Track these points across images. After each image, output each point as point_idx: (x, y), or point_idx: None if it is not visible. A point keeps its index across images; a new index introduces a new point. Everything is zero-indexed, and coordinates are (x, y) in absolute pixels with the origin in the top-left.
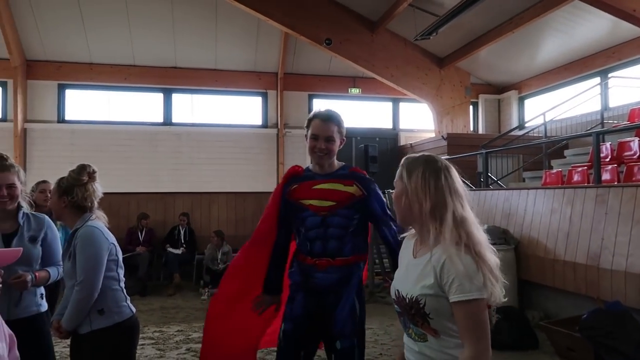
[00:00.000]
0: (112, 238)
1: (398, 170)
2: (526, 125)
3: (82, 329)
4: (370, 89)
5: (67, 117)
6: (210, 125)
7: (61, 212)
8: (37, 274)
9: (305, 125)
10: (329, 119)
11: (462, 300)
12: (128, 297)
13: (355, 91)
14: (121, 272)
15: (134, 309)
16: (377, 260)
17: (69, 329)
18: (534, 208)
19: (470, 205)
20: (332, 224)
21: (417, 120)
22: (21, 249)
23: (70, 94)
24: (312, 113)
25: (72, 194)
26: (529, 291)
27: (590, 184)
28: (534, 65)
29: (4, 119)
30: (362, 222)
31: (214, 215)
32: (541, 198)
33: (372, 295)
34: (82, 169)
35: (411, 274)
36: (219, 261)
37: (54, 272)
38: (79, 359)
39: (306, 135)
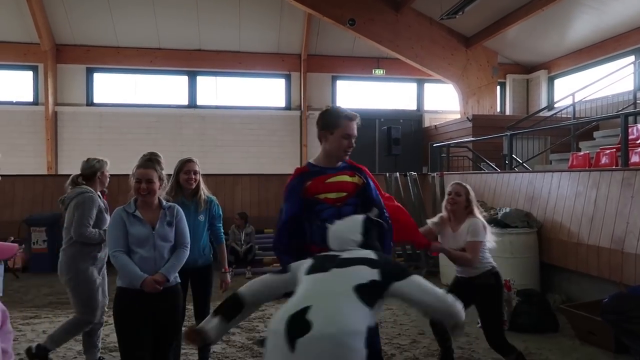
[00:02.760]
0: None
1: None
2: (555, 106)
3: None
4: (394, 69)
5: (95, 100)
6: (234, 107)
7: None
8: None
9: (326, 122)
10: (355, 119)
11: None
12: None
13: (379, 72)
14: None
15: None
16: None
17: (170, 279)
18: (559, 191)
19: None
20: (345, 213)
21: (442, 101)
22: (17, 245)
23: (98, 78)
24: (337, 111)
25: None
26: (551, 274)
27: (617, 167)
28: (565, 43)
29: (36, 103)
30: (361, 208)
31: (237, 196)
32: (566, 181)
33: None
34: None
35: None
36: (242, 242)
37: (182, 255)
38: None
39: (328, 132)
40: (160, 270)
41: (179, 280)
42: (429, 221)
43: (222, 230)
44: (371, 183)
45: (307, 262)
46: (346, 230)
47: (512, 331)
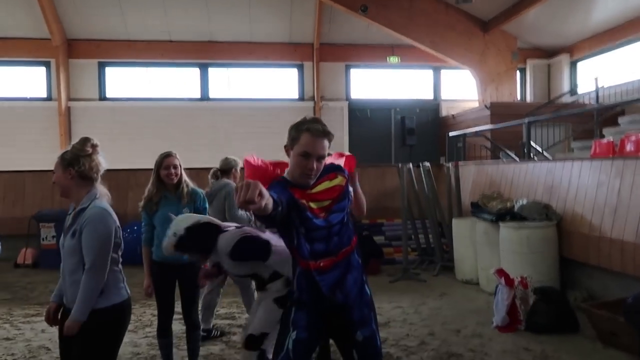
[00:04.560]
0: (116, 219)
1: None
2: (578, 91)
3: None
4: (409, 57)
5: (108, 95)
6: (247, 99)
7: (67, 186)
8: None
9: (289, 134)
10: (324, 134)
11: None
12: (125, 279)
13: (393, 60)
14: (120, 252)
15: (129, 291)
16: (412, 237)
17: (83, 320)
18: (579, 181)
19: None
20: (333, 222)
21: (460, 89)
22: None
23: (110, 72)
24: (301, 122)
25: (78, 165)
26: (572, 270)
27: None
28: (588, 25)
29: (49, 98)
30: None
31: None
32: (587, 170)
33: (406, 272)
34: (85, 140)
35: None
36: None
37: None
38: (69, 339)
39: (288, 147)
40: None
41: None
42: None
43: None
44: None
45: None
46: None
47: (528, 331)
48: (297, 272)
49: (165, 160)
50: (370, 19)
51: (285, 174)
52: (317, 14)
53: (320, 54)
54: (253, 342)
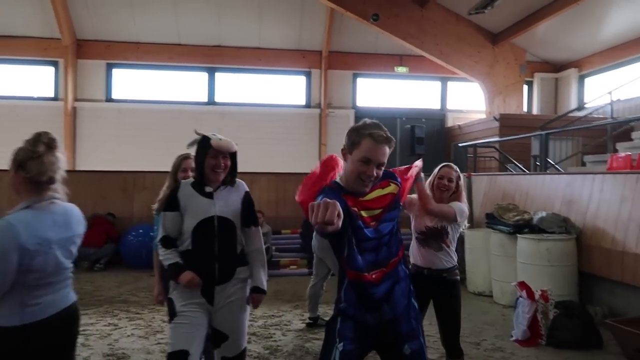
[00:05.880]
0: (30, 238)
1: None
2: (587, 105)
3: None
4: (417, 67)
5: (114, 97)
6: (254, 105)
7: (18, 190)
8: None
9: (348, 138)
10: (386, 141)
11: None
12: (44, 300)
13: (402, 70)
14: (38, 275)
15: (44, 314)
16: None
17: None
18: (601, 195)
19: None
20: (383, 232)
21: (466, 100)
22: None
23: (117, 73)
24: (362, 126)
25: (25, 169)
26: (591, 285)
27: None
28: (597, 40)
29: (56, 98)
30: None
31: (255, 195)
32: (610, 184)
33: None
34: (37, 138)
35: None
36: None
37: None
38: None
39: (346, 150)
40: None
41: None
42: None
43: None
44: (401, 183)
45: None
46: None
47: (550, 346)
48: (344, 283)
49: (184, 162)
50: (380, 28)
51: (337, 179)
52: (327, 22)
53: (329, 62)
54: None
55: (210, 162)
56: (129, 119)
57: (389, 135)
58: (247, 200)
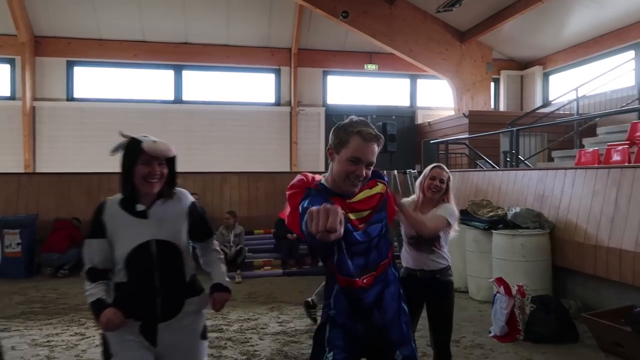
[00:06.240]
0: None
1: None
2: (554, 102)
3: None
4: (387, 65)
5: (76, 95)
6: (222, 103)
7: None
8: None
9: (334, 136)
10: (375, 139)
11: None
12: None
13: (371, 67)
14: None
15: None
16: (397, 245)
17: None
18: (573, 190)
19: None
20: (372, 234)
21: (435, 97)
22: None
23: (79, 71)
24: (349, 124)
25: None
26: (564, 279)
27: None
28: (561, 38)
29: (13, 97)
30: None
31: (226, 196)
32: (580, 179)
33: None
34: None
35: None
36: (231, 244)
37: None
38: None
39: (331, 149)
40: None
41: None
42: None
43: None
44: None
45: None
46: None
47: (528, 341)
48: (334, 290)
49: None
50: (350, 25)
51: (322, 180)
52: (296, 19)
53: (298, 59)
54: None
55: (141, 170)
56: (93, 118)
57: (378, 132)
58: (195, 213)
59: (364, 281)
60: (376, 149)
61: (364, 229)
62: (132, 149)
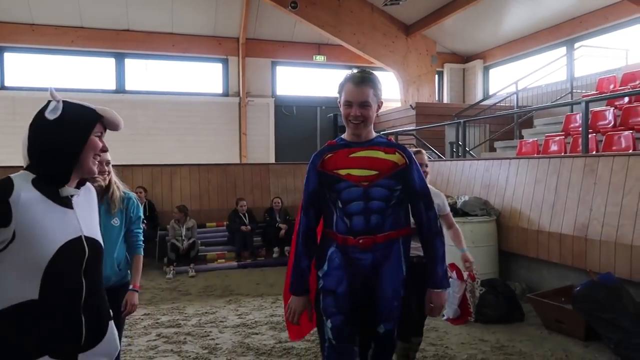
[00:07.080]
0: None
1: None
2: (494, 94)
3: None
4: (335, 56)
5: (7, 84)
6: (167, 93)
7: None
8: None
9: (337, 90)
10: (363, 81)
11: None
12: None
13: (320, 58)
14: None
15: None
16: None
17: None
18: (516, 178)
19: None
20: (374, 196)
21: (382, 89)
22: None
23: (9, 58)
24: (344, 77)
25: None
26: (509, 262)
27: (577, 153)
28: (500, 34)
29: None
30: (404, 193)
31: (176, 188)
32: (524, 168)
33: None
34: None
35: None
36: (183, 237)
37: None
38: None
39: (339, 102)
40: None
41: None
42: None
43: (142, 237)
44: (416, 167)
45: None
46: None
47: (479, 322)
48: (328, 253)
49: None
50: (299, 15)
51: (342, 136)
52: (244, 8)
53: (247, 49)
54: None
55: (96, 143)
56: (26, 108)
57: (367, 75)
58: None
59: (360, 241)
60: (369, 91)
61: (366, 187)
62: (87, 117)
